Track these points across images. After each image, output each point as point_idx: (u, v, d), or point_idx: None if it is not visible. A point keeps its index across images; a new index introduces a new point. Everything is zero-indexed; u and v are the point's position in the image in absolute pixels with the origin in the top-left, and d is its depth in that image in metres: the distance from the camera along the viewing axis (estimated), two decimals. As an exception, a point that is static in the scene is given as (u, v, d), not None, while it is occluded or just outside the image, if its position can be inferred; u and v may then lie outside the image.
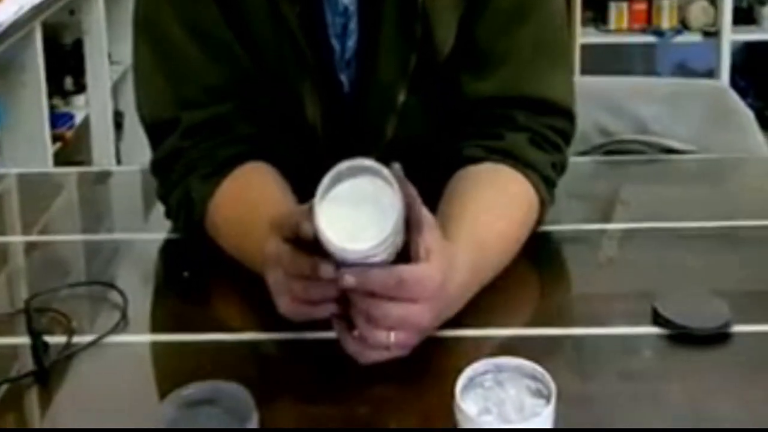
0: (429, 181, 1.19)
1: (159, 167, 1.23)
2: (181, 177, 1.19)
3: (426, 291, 0.93)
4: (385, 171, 0.89)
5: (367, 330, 0.93)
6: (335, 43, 1.21)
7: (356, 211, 0.89)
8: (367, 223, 0.89)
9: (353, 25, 1.19)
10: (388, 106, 1.20)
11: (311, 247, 0.91)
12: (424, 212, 0.94)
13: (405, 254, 0.93)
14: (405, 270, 0.92)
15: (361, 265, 0.90)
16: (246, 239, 1.10)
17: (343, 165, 0.89)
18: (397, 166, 0.90)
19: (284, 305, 0.97)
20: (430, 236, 0.94)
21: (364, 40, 1.20)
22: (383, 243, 0.88)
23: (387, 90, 1.20)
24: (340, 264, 0.90)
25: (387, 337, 0.93)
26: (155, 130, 1.23)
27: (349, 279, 0.90)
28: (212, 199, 1.16)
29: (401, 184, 0.89)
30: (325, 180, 0.89)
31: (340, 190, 0.90)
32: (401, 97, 1.20)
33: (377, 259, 0.90)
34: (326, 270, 0.90)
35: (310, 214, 0.89)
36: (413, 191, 0.91)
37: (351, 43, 1.20)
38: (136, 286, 1.16)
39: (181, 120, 1.20)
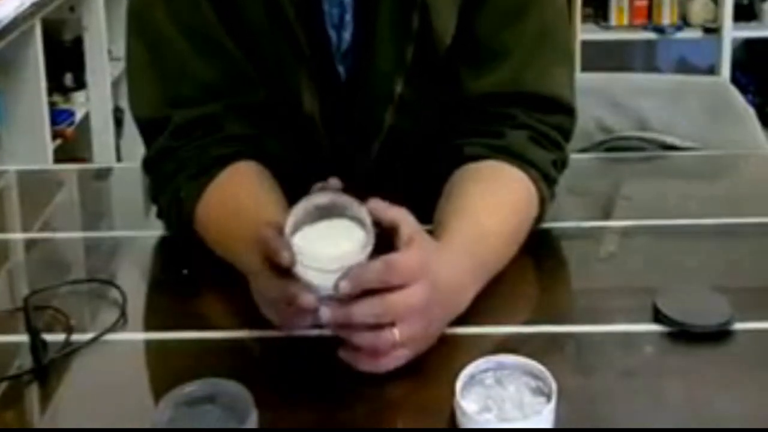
0: (427, 175, 1.19)
1: (150, 166, 1.22)
2: (171, 176, 1.18)
3: (414, 271, 0.93)
4: (352, 210, 0.93)
5: (372, 337, 0.92)
6: (332, 34, 1.20)
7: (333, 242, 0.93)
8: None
9: (349, 16, 1.19)
10: (386, 97, 1.20)
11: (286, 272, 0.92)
12: (393, 213, 0.95)
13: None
14: (390, 256, 0.92)
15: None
16: (231, 241, 1.10)
17: (303, 209, 0.94)
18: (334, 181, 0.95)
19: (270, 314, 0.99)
20: (406, 227, 0.95)
21: (360, 31, 1.19)
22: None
23: (384, 81, 1.19)
24: (318, 290, 0.91)
25: (392, 334, 0.92)
26: (147, 129, 1.22)
27: (344, 285, 0.90)
28: (200, 199, 1.15)
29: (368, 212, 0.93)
30: (289, 224, 0.92)
31: (311, 230, 0.94)
32: (399, 88, 1.19)
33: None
34: (308, 300, 0.91)
35: (286, 242, 0.91)
36: (377, 203, 0.94)
37: (347, 34, 1.20)
38: (136, 284, 1.16)
39: (173, 118, 1.19)
